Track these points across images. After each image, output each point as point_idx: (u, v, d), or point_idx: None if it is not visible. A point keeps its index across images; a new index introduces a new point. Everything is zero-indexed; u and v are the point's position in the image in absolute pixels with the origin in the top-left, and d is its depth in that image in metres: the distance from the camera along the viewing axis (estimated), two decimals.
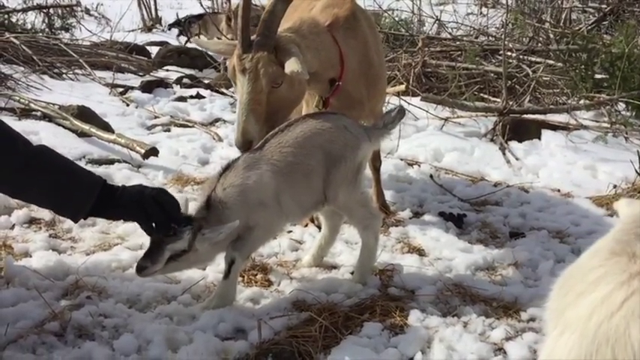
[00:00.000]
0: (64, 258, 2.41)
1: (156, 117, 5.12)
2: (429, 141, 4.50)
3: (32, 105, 4.54)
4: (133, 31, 13.11)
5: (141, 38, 11.20)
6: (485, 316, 2.14)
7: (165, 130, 4.76)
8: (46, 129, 4.06)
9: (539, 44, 6.80)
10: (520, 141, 4.60)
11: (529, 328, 2.09)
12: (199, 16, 11.99)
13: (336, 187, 2.22)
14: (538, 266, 2.59)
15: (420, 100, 5.14)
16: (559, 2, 8.09)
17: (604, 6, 8.06)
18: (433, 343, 1.96)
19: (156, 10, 17.07)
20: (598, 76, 5.39)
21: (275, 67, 2.27)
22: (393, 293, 2.28)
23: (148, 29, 15.47)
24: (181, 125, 4.91)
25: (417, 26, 8.34)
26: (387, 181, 3.62)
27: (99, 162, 3.65)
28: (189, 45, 9.55)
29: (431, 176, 3.72)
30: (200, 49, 7.78)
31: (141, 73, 7.29)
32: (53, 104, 4.53)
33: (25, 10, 9.02)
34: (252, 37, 2.32)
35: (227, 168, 2.13)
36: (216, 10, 13.95)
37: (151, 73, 7.37)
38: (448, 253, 2.66)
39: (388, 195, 3.38)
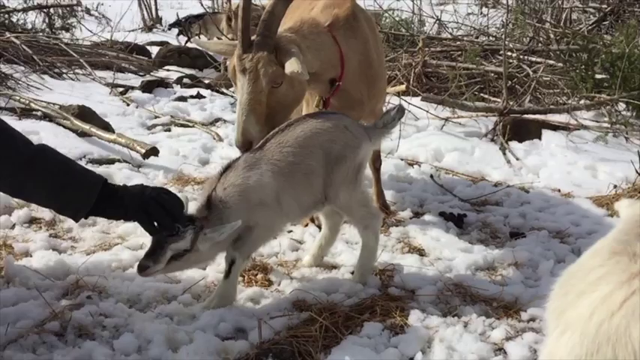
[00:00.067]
0: (65, 258, 2.41)
1: (156, 117, 5.13)
2: (429, 141, 4.50)
3: (32, 105, 4.54)
4: (133, 30, 13.14)
5: (141, 38, 11.22)
6: (486, 316, 2.14)
7: (165, 130, 4.77)
8: (46, 129, 4.06)
9: (540, 44, 6.80)
10: (520, 141, 4.60)
11: (529, 328, 2.08)
12: (199, 16, 12.00)
13: (336, 187, 2.22)
14: (538, 266, 2.59)
15: (420, 100, 5.14)
16: (559, 2, 8.08)
17: (604, 6, 8.06)
18: (433, 343, 1.96)
19: (156, 10, 17.09)
20: (598, 76, 5.39)
21: (275, 67, 2.27)
22: (394, 293, 2.28)
23: (149, 29, 15.49)
24: (182, 125, 4.92)
25: (418, 26, 8.34)
26: (387, 181, 3.62)
27: (99, 162, 3.65)
28: (189, 45, 9.56)
29: (431, 176, 3.72)
30: (200, 49, 7.79)
31: (141, 73, 7.30)
32: (53, 104, 4.54)
33: (25, 10, 9.03)
34: (253, 38, 2.32)
35: (227, 168, 2.13)
36: (216, 10, 13.97)
37: (152, 73, 7.38)
38: (448, 253, 2.66)
39: (388, 195, 3.38)
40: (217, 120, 5.21)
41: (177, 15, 13.77)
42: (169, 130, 4.77)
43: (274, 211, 2.14)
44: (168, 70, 7.67)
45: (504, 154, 4.38)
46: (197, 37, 10.72)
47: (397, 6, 8.25)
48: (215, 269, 2.37)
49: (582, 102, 5.34)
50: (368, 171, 3.01)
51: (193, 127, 4.88)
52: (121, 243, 2.62)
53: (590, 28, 7.40)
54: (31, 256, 2.42)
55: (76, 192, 1.99)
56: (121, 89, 6.01)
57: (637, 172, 3.57)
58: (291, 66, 2.20)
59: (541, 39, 7.01)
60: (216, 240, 2.00)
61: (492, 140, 4.74)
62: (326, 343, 1.91)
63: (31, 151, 1.98)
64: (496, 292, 2.31)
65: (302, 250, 2.66)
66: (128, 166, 3.66)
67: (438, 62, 6.30)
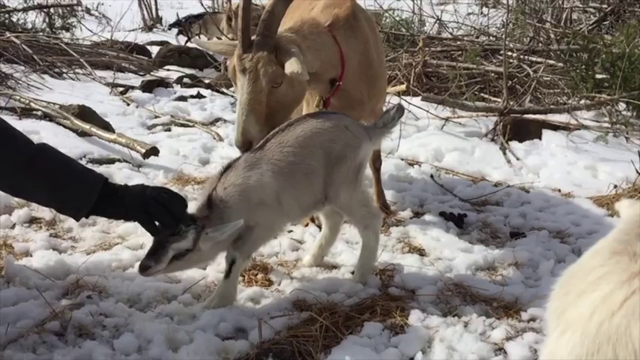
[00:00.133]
0: (65, 257, 2.41)
1: (156, 116, 5.13)
2: (429, 141, 4.50)
3: (33, 104, 4.55)
4: (133, 30, 13.14)
5: (141, 38, 11.22)
6: (486, 316, 2.14)
7: (165, 130, 4.77)
8: (46, 128, 4.06)
9: (540, 44, 6.80)
10: (521, 141, 4.60)
11: (530, 328, 2.08)
12: (199, 16, 12.00)
13: (336, 187, 2.22)
14: (538, 266, 2.58)
15: (420, 99, 5.14)
16: (560, 2, 8.08)
17: (605, 6, 8.06)
18: (434, 342, 1.96)
19: (156, 9, 17.11)
20: (599, 76, 5.39)
21: (275, 67, 2.27)
22: (394, 293, 2.28)
23: (149, 29, 15.50)
24: (182, 125, 4.92)
25: (418, 26, 8.34)
26: (387, 181, 3.62)
27: (99, 161, 3.66)
28: (189, 45, 9.56)
29: (431, 176, 3.72)
30: (201, 48, 7.79)
31: (141, 73, 7.31)
32: (54, 104, 4.54)
33: (25, 10, 9.03)
34: (253, 37, 2.32)
35: (228, 167, 2.13)
36: (216, 10, 13.97)
37: (152, 73, 7.39)
38: (449, 253, 2.66)
39: (389, 195, 3.38)
40: (217, 120, 5.21)
41: (178, 15, 13.78)
42: (169, 130, 4.77)
43: (275, 210, 2.14)
44: (168, 70, 7.68)
45: (505, 154, 4.38)
46: (197, 37, 10.72)
47: (397, 6, 8.25)
48: (215, 269, 2.37)
49: (582, 102, 5.34)
50: (368, 171, 3.01)
51: (193, 126, 4.88)
52: (121, 243, 2.62)
53: (590, 28, 7.40)
54: (31, 255, 2.42)
55: (76, 191, 1.99)
56: (121, 89, 6.01)
57: (637, 172, 3.57)
58: (291, 66, 2.20)
59: (541, 39, 7.00)
60: (218, 239, 2.00)
61: (493, 140, 4.74)
62: (326, 342, 1.91)
63: (32, 151, 1.98)
64: (496, 292, 2.31)
65: (302, 250, 2.66)
66: (128, 165, 3.66)
67: (439, 62, 6.30)
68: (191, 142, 4.34)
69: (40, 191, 2.00)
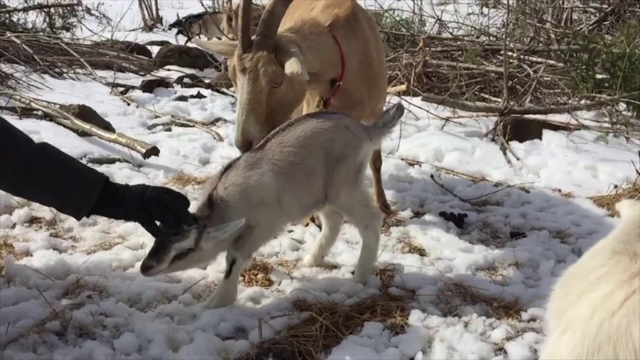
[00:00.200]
0: (65, 257, 2.41)
1: (157, 116, 5.13)
2: (429, 141, 4.50)
3: (33, 104, 4.55)
4: (133, 30, 13.16)
5: (142, 38, 11.23)
6: (486, 316, 2.14)
7: (166, 130, 4.77)
8: (46, 128, 4.06)
9: (540, 44, 6.80)
10: (521, 141, 4.60)
11: (530, 328, 2.08)
12: (200, 16, 12.01)
13: (337, 187, 2.22)
14: (539, 266, 2.58)
15: (420, 99, 5.14)
16: (560, 2, 8.08)
17: (605, 6, 8.06)
18: (434, 342, 1.95)
19: (157, 9, 17.12)
20: (599, 76, 5.39)
21: (275, 66, 2.27)
22: (394, 293, 2.28)
23: (149, 29, 15.51)
24: (182, 125, 4.92)
25: (418, 26, 8.35)
26: (387, 181, 3.62)
27: (100, 161, 3.66)
28: (189, 44, 9.56)
29: (432, 176, 3.72)
30: (201, 48, 7.79)
31: (142, 73, 7.31)
32: (54, 103, 4.54)
33: (26, 10, 9.04)
34: (253, 37, 2.32)
35: (228, 167, 2.13)
36: (216, 10, 13.97)
37: (152, 73, 7.39)
38: (449, 253, 2.66)
39: (389, 195, 3.38)
40: (218, 120, 5.21)
41: (178, 15, 13.79)
42: (170, 130, 4.77)
43: (275, 210, 2.14)
44: (168, 70, 7.68)
45: (505, 154, 4.38)
46: (197, 37, 10.72)
47: (398, 6, 8.26)
48: (215, 269, 2.37)
49: (583, 102, 5.34)
50: (368, 171, 3.01)
51: (194, 126, 4.88)
52: (121, 242, 2.62)
53: (590, 28, 7.40)
54: (31, 255, 2.42)
55: (77, 190, 1.99)
56: (121, 89, 6.01)
57: (637, 172, 3.57)
58: (291, 66, 2.20)
59: (542, 39, 7.00)
60: (220, 239, 2.00)
61: (493, 140, 4.74)
62: (326, 342, 1.91)
63: (33, 150, 1.98)
64: (496, 292, 2.31)
65: (302, 250, 2.66)
66: (129, 165, 3.66)
67: (439, 62, 6.30)
68: (191, 142, 4.34)
69: (41, 190, 2.00)
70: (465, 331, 2.02)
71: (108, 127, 4.29)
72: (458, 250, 2.69)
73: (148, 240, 2.38)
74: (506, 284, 2.40)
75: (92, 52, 7.61)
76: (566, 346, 1.09)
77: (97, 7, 13.69)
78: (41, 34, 8.25)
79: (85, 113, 4.30)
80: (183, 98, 5.87)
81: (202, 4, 10.31)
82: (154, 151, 3.64)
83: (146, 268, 1.96)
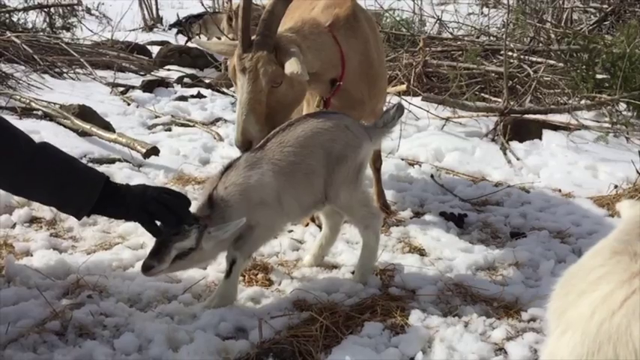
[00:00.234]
0: (65, 257, 2.41)
1: (157, 116, 5.13)
2: (430, 141, 4.50)
3: (33, 104, 4.55)
4: (134, 30, 13.16)
5: (142, 38, 11.23)
6: (486, 316, 2.14)
7: (166, 130, 4.77)
8: (47, 128, 4.06)
9: (541, 44, 6.80)
10: (521, 141, 4.60)
11: (530, 328, 2.08)
12: (200, 16, 12.01)
13: (337, 187, 2.22)
14: (539, 266, 2.58)
15: (421, 99, 5.14)
16: (560, 2, 8.08)
17: (605, 6, 8.06)
18: (434, 342, 1.95)
19: (157, 9, 17.13)
20: (599, 77, 5.39)
21: (275, 66, 2.27)
22: (394, 293, 2.28)
23: (149, 29, 15.51)
24: (182, 125, 4.92)
25: (418, 26, 8.35)
26: (387, 181, 3.62)
27: (100, 161, 3.66)
28: (190, 44, 9.56)
29: (432, 176, 3.72)
30: (201, 48, 7.79)
31: (142, 73, 7.31)
32: (54, 103, 4.54)
33: (26, 10, 9.04)
34: (253, 37, 2.32)
35: (229, 167, 2.13)
36: (217, 10, 13.98)
37: (152, 73, 7.39)
38: (449, 253, 2.66)
39: (389, 195, 3.38)
40: (218, 120, 5.21)
41: (178, 15, 13.79)
42: (170, 130, 4.77)
43: (275, 210, 2.14)
44: (168, 70, 7.68)
45: (505, 154, 4.38)
46: (197, 37, 10.73)
47: (398, 6, 8.26)
48: (216, 269, 2.37)
49: (583, 102, 5.34)
50: (368, 171, 3.01)
51: (194, 126, 4.88)
52: (121, 242, 2.62)
53: (591, 28, 7.40)
54: (31, 255, 2.42)
55: (78, 190, 1.99)
56: (121, 89, 6.01)
57: (638, 172, 3.57)
58: (291, 66, 2.20)
59: (542, 39, 7.00)
60: (221, 238, 2.00)
61: (493, 140, 4.74)
62: (326, 342, 1.91)
63: (33, 149, 1.98)
64: (497, 292, 2.31)
65: (302, 250, 2.66)
66: (129, 165, 3.66)
67: (439, 62, 6.30)
68: (191, 142, 4.34)
69: (42, 190, 2.00)
70: (465, 331, 2.02)
71: (108, 127, 4.29)
72: (458, 250, 2.69)
73: (148, 240, 2.38)
74: (506, 284, 2.40)
75: (92, 52, 7.61)
76: (566, 346, 1.09)
77: (97, 7, 13.69)
78: (41, 34, 8.25)
79: (85, 113, 4.30)
80: (183, 98, 5.87)
81: (202, 4, 10.32)
82: (154, 151, 3.64)
83: (147, 268, 1.96)
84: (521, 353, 1.91)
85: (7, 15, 8.38)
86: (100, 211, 2.06)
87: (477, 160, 4.21)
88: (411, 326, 2.03)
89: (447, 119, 5.05)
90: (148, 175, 3.53)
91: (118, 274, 2.33)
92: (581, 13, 8.36)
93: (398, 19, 7.86)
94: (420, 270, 2.47)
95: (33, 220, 2.80)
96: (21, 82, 5.48)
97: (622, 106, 5.22)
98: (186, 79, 6.74)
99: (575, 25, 7.81)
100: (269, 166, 2.11)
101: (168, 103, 5.63)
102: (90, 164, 3.52)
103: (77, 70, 6.58)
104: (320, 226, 2.66)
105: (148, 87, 6.11)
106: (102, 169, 3.46)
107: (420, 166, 4.04)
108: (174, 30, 13.28)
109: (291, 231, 2.83)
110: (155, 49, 9.16)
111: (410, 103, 5.11)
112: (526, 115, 5.01)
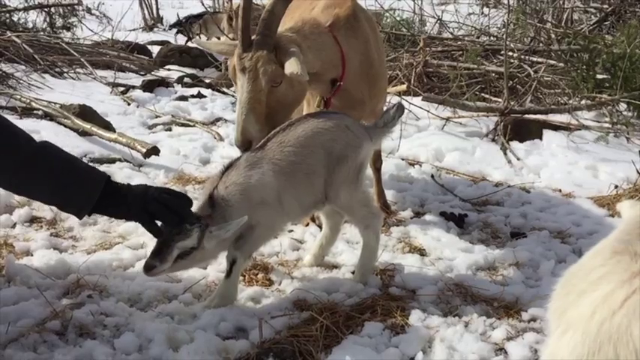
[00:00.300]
0: (65, 257, 2.41)
1: (157, 116, 5.13)
2: (430, 141, 4.50)
3: (33, 104, 4.55)
4: (134, 30, 13.17)
5: (142, 37, 11.24)
6: (487, 316, 2.14)
7: (166, 130, 4.77)
8: (47, 128, 4.06)
9: (541, 44, 6.80)
10: (521, 141, 4.60)
11: (530, 328, 2.08)
12: (199, 16, 12.02)
13: (337, 187, 2.22)
14: (539, 266, 2.58)
15: (421, 99, 5.14)
16: (560, 2, 8.08)
17: (606, 6, 8.06)
18: (434, 342, 1.95)
19: (157, 9, 17.13)
20: (599, 77, 5.39)
21: (274, 66, 2.27)
22: (394, 293, 2.28)
23: (150, 28, 15.52)
24: (182, 124, 4.92)
25: (419, 26, 8.35)
26: (388, 181, 3.62)
27: (100, 161, 3.66)
28: (190, 44, 9.56)
29: (432, 176, 3.72)
30: (201, 48, 7.79)
31: (142, 73, 7.31)
32: (54, 103, 4.54)
33: (26, 9, 9.03)
34: (253, 37, 2.32)
35: (229, 167, 2.14)
36: (217, 10, 13.99)
37: (152, 73, 7.39)
38: (449, 253, 2.65)
39: (389, 195, 3.38)
40: (218, 119, 5.21)
41: (178, 15, 13.79)
42: (170, 130, 4.77)
43: (275, 210, 2.14)
44: (169, 70, 7.68)
45: (505, 154, 4.38)
46: (197, 37, 10.73)
47: (398, 6, 8.26)
48: (216, 269, 2.37)
49: (583, 102, 5.34)
50: (369, 171, 3.01)
51: (194, 126, 4.88)
52: (121, 242, 2.62)
53: (591, 28, 7.40)
54: (32, 255, 2.42)
55: (79, 189, 1.99)
56: (121, 88, 6.01)
57: (638, 172, 3.57)
58: (291, 67, 2.20)
59: (542, 39, 7.01)
60: (223, 237, 2.00)
61: (493, 140, 4.74)
62: (327, 342, 1.91)
63: (34, 149, 1.98)
64: (497, 292, 2.31)
65: (303, 250, 2.66)
66: (129, 165, 3.66)
67: (439, 62, 6.30)
68: (192, 142, 4.34)
69: (43, 188, 2.00)
70: (465, 331, 2.02)
71: (108, 126, 4.29)
72: (458, 250, 2.69)
73: (149, 240, 2.39)
74: (506, 284, 2.39)
75: (92, 51, 7.61)
76: (566, 346, 1.09)
77: (98, 6, 13.69)
78: (42, 33, 8.25)
79: (86, 113, 4.30)
80: (183, 98, 5.87)
81: (203, 4, 10.33)
82: (154, 150, 3.64)
83: (149, 268, 1.96)
84: (521, 353, 1.91)
85: (7, 15, 8.37)
86: (101, 210, 2.05)
87: (478, 160, 4.21)
88: (411, 326, 2.03)
89: (448, 119, 5.05)
90: (148, 175, 3.53)
91: (118, 273, 2.33)
92: (582, 13, 8.36)
93: (398, 19, 7.86)
94: (420, 270, 2.47)
95: (33, 220, 2.80)
96: (21, 81, 5.48)
97: (622, 106, 5.22)
98: (186, 79, 6.74)
99: (575, 25, 7.81)
100: (269, 166, 2.11)
101: (169, 103, 5.63)
102: (90, 164, 3.53)
103: (77, 69, 6.58)
104: (320, 226, 2.66)
105: (149, 87, 6.11)
106: (102, 168, 3.45)
107: (421, 166, 4.04)
108: (175, 30, 13.28)
109: (291, 231, 2.83)
110: (155, 49, 9.16)
111: (410, 103, 5.11)
112: (526, 115, 5.01)
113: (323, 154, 2.18)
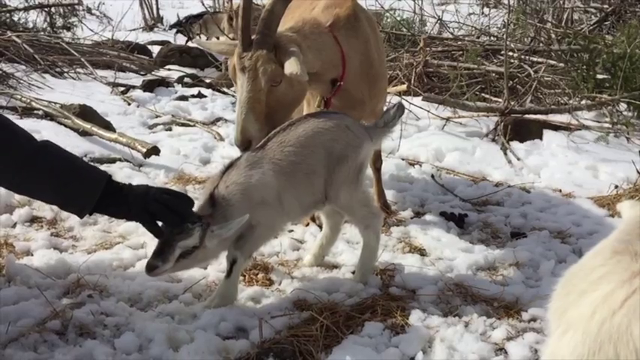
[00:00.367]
0: (66, 256, 2.41)
1: (157, 116, 5.14)
2: (430, 141, 4.50)
3: (34, 104, 4.55)
4: (134, 30, 13.17)
5: (142, 37, 11.25)
6: (487, 316, 2.14)
7: (166, 129, 4.77)
8: (47, 128, 4.07)
9: (541, 44, 6.80)
10: (521, 141, 4.60)
11: (530, 328, 2.08)
12: (199, 16, 12.02)
13: (337, 187, 2.22)
14: (539, 266, 2.58)
15: (421, 99, 5.14)
16: (561, 2, 8.08)
17: (606, 6, 8.06)
18: (434, 342, 1.95)
19: (157, 9, 17.13)
20: (600, 77, 5.39)
21: (274, 65, 2.27)
22: (394, 293, 2.28)
23: (150, 28, 15.52)
24: (183, 124, 4.92)
25: (419, 26, 8.35)
26: (388, 181, 3.62)
27: (100, 161, 3.66)
28: (190, 44, 9.56)
29: (432, 176, 3.72)
30: (201, 48, 7.79)
31: (142, 72, 7.31)
32: (55, 103, 4.54)
33: (27, 9, 9.04)
34: (253, 37, 2.32)
35: (229, 166, 2.14)
36: (217, 10, 13.99)
37: (153, 73, 7.39)
38: (449, 253, 2.66)
39: (389, 195, 3.38)
40: (218, 119, 5.21)
41: (178, 15, 13.79)
42: (170, 130, 4.77)
43: (276, 210, 2.14)
44: (169, 70, 7.68)
45: (505, 154, 4.38)
46: (197, 37, 10.73)
47: (398, 6, 8.26)
48: (216, 269, 2.37)
49: (583, 102, 5.34)
50: (369, 171, 3.01)
51: (194, 126, 4.89)
52: (122, 242, 2.62)
53: (591, 28, 7.40)
54: (32, 254, 2.42)
55: (80, 188, 1.99)
56: (122, 88, 6.01)
57: (638, 172, 3.57)
58: (291, 67, 2.20)
59: (542, 39, 7.01)
60: (224, 236, 2.00)
61: (493, 140, 4.74)
62: (327, 342, 1.91)
63: (35, 148, 1.98)
64: (497, 292, 2.31)
65: (303, 250, 2.66)
66: (129, 165, 3.66)
67: (439, 62, 6.30)
68: (192, 142, 4.34)
69: (44, 187, 2.00)
70: (465, 331, 2.02)
71: (108, 126, 4.29)
72: (458, 250, 2.69)
73: (149, 240, 2.39)
74: (506, 284, 2.39)
75: (93, 51, 7.61)
76: (567, 345, 1.09)
77: (98, 6, 13.70)
78: (42, 33, 8.25)
79: (86, 113, 4.30)
80: (183, 98, 5.87)
81: (203, 4, 10.34)
82: (154, 150, 3.64)
83: (151, 268, 1.96)
84: (521, 353, 1.91)
85: (7, 14, 8.38)
86: (102, 210, 2.06)
87: (478, 160, 4.21)
88: (411, 326, 2.03)
89: (448, 119, 5.04)
90: (148, 175, 3.53)
91: (118, 273, 2.33)
92: (582, 13, 8.36)
93: (398, 19, 7.86)
94: (420, 270, 2.47)
95: (33, 220, 2.80)
96: (22, 81, 5.48)
97: (622, 106, 5.22)
98: (186, 79, 6.74)
99: (575, 25, 7.81)
100: (270, 166, 2.11)
101: (169, 103, 5.63)
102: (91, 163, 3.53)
103: (78, 69, 6.58)
104: (320, 226, 2.66)
105: (149, 87, 6.11)
106: (102, 168, 3.45)
107: (421, 166, 4.04)
108: (175, 30, 13.28)
109: (291, 231, 2.83)
110: (155, 49, 9.16)
111: (410, 103, 5.11)
112: (526, 115, 5.01)
113: (323, 154, 2.19)
